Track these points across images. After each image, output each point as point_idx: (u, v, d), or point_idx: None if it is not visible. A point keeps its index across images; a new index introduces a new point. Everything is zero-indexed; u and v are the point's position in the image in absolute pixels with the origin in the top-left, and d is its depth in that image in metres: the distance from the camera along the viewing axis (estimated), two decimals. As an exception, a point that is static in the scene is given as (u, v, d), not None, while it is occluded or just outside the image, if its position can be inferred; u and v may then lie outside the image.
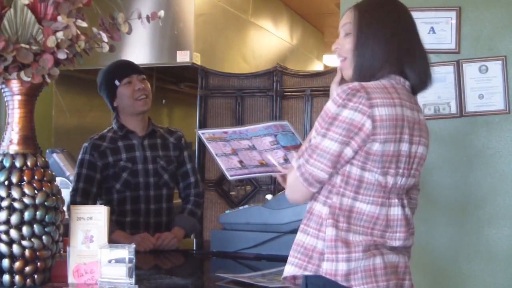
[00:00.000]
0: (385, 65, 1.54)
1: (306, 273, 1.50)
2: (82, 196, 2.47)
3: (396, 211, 1.52)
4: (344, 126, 1.44)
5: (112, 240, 2.15)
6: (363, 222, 1.49)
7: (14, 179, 1.67)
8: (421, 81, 1.59)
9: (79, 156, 2.55)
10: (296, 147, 1.75)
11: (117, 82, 2.55)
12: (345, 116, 1.44)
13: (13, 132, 1.73)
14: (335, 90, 1.52)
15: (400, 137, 1.49)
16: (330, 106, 1.48)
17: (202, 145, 3.95)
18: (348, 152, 1.45)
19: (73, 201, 2.45)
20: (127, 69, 2.60)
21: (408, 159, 1.53)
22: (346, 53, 1.60)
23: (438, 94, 2.88)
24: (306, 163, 1.48)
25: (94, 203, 2.52)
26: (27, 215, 1.66)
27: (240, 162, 1.73)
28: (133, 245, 1.67)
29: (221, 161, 1.80)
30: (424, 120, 1.62)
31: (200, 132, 1.78)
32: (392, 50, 1.55)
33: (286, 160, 1.76)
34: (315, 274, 1.48)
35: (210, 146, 1.76)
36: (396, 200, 1.52)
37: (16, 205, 1.66)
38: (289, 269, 1.54)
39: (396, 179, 1.51)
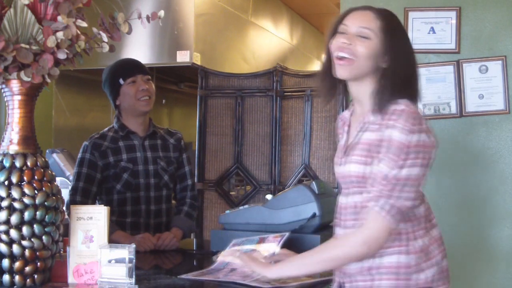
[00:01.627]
0: (412, 80, 1.60)
1: None
2: (82, 195, 2.47)
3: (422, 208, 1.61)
4: (421, 150, 1.47)
5: (113, 240, 2.15)
6: (422, 224, 1.58)
7: (14, 179, 1.67)
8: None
9: (79, 155, 2.54)
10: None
11: (121, 81, 2.54)
12: (419, 141, 1.47)
13: (13, 132, 1.73)
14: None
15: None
16: (399, 137, 1.47)
17: (202, 145, 3.96)
18: (424, 172, 1.50)
19: (73, 200, 2.45)
20: (132, 68, 2.59)
21: None
22: (356, 56, 1.57)
23: (438, 94, 2.88)
24: (397, 200, 1.47)
25: (94, 202, 2.52)
26: (27, 215, 1.66)
27: None
28: (133, 245, 1.67)
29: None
30: None
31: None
32: (413, 66, 1.62)
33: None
34: None
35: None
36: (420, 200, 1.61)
37: (16, 205, 1.66)
38: None
39: None
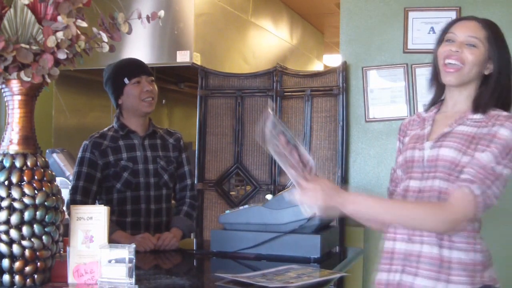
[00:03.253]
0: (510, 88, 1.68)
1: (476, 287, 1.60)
2: (82, 194, 2.47)
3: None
4: None
5: (113, 240, 2.16)
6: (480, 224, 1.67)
7: (14, 179, 1.67)
8: None
9: (79, 154, 2.54)
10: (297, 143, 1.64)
11: (126, 80, 2.55)
12: None
13: (13, 132, 1.73)
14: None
15: None
16: (506, 135, 1.56)
17: (202, 145, 3.96)
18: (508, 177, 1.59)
19: (73, 200, 2.45)
20: (138, 68, 2.60)
21: None
22: (464, 63, 1.65)
23: (438, 94, 2.87)
24: (487, 189, 1.54)
25: (94, 201, 2.52)
26: (27, 215, 1.66)
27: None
28: (133, 245, 1.67)
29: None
30: None
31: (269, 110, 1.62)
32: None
33: (302, 163, 1.63)
34: (483, 285, 1.60)
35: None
36: None
37: (16, 205, 1.66)
38: None
39: None
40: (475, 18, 1.71)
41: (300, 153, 1.63)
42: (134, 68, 2.60)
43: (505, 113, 1.62)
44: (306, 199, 1.58)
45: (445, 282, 1.57)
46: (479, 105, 1.65)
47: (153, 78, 2.63)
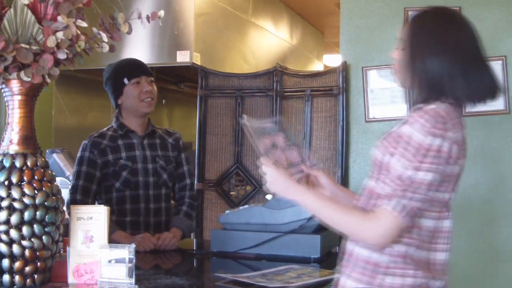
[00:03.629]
0: (445, 79, 1.54)
1: (361, 285, 1.51)
2: (82, 193, 2.47)
3: (447, 224, 1.55)
4: (439, 155, 1.45)
5: (113, 240, 2.16)
6: (422, 236, 1.52)
7: (14, 179, 1.67)
8: (485, 93, 1.59)
9: (79, 154, 2.54)
10: (298, 145, 1.73)
11: (126, 80, 2.55)
12: (439, 145, 1.45)
13: (13, 132, 1.73)
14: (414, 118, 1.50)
15: (463, 154, 1.54)
16: (421, 138, 1.45)
17: (202, 145, 3.96)
18: (438, 178, 1.47)
19: (73, 199, 2.45)
20: (138, 69, 2.60)
21: (458, 175, 1.56)
22: (396, 66, 1.63)
23: (438, 94, 2.87)
24: (410, 201, 1.45)
25: (94, 201, 2.53)
26: (27, 215, 1.66)
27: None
28: (133, 245, 1.67)
29: None
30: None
31: (245, 120, 1.68)
32: (450, 63, 1.54)
33: (302, 160, 1.73)
34: (368, 286, 1.50)
35: (257, 142, 1.66)
36: (447, 213, 1.55)
37: (16, 205, 1.66)
38: (350, 284, 1.54)
39: (451, 194, 1.54)
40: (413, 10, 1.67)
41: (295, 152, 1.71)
42: (133, 68, 2.60)
43: (428, 108, 1.49)
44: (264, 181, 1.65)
45: (346, 277, 1.55)
46: (412, 101, 1.59)
47: (152, 78, 2.63)
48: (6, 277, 1.67)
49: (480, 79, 1.56)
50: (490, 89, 1.58)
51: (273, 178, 1.62)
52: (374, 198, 1.53)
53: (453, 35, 1.56)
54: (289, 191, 1.61)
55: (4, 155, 1.71)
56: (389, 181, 1.48)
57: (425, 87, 1.56)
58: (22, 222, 1.66)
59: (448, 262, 1.58)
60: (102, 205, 1.81)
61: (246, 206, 2.43)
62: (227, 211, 2.43)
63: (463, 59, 1.54)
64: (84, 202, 2.45)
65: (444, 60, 1.54)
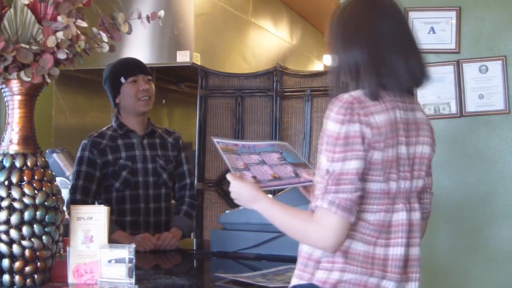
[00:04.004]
0: (363, 68, 1.49)
1: (302, 282, 1.48)
2: (82, 193, 2.47)
3: (400, 216, 1.47)
4: (353, 141, 1.40)
5: (113, 240, 2.15)
6: (369, 231, 1.45)
7: (14, 179, 1.67)
8: (411, 81, 1.53)
9: (78, 154, 2.54)
10: (302, 165, 1.76)
11: (122, 80, 2.55)
12: (350, 131, 1.40)
13: (13, 132, 1.73)
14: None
15: (397, 141, 1.46)
16: (332, 127, 1.42)
17: (202, 145, 3.96)
18: (363, 165, 1.41)
19: (73, 199, 2.45)
20: (134, 67, 2.60)
21: (407, 161, 1.49)
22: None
23: (438, 94, 2.88)
24: (336, 194, 1.38)
25: (94, 200, 2.53)
26: (27, 215, 1.66)
27: (254, 177, 1.67)
28: (133, 245, 1.67)
29: None
30: (424, 117, 1.58)
31: (215, 140, 1.74)
32: (368, 52, 1.49)
33: (297, 175, 1.75)
34: (309, 283, 1.46)
35: (225, 158, 1.70)
36: (401, 205, 1.48)
37: (16, 205, 1.66)
38: (293, 281, 1.52)
39: (399, 184, 1.47)
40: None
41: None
42: (130, 67, 2.60)
43: (340, 97, 1.44)
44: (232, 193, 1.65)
45: (294, 275, 1.52)
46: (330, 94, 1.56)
47: (150, 77, 2.62)
48: (6, 277, 1.67)
49: (403, 67, 1.50)
50: (413, 77, 1.52)
51: (238, 191, 1.61)
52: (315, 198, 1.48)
53: (371, 23, 1.51)
54: (252, 202, 1.59)
55: (4, 155, 1.71)
56: (320, 178, 1.43)
57: (344, 76, 1.52)
58: (22, 222, 1.66)
59: (412, 258, 1.51)
60: (102, 205, 1.81)
61: (246, 206, 2.43)
62: (227, 211, 2.43)
63: (381, 47, 1.49)
64: (84, 202, 2.45)
65: (361, 48, 1.49)
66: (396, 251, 1.47)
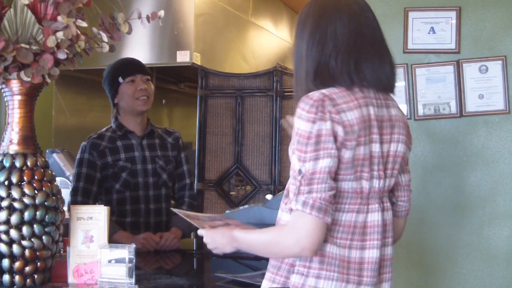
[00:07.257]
0: (323, 67, 1.47)
1: (274, 285, 1.45)
2: (83, 195, 2.47)
3: (375, 217, 1.44)
4: (325, 139, 1.36)
5: (115, 241, 2.16)
6: (341, 234, 1.41)
7: (14, 179, 1.67)
8: (378, 83, 1.51)
9: (78, 155, 2.54)
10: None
11: (120, 79, 2.55)
12: (322, 129, 1.36)
13: (13, 132, 1.73)
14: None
15: (369, 138, 1.42)
16: (304, 126, 1.39)
17: (202, 145, 3.95)
18: (336, 164, 1.37)
19: (74, 201, 2.45)
20: (132, 67, 2.60)
21: (381, 159, 1.45)
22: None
23: (438, 94, 2.87)
24: (310, 194, 1.34)
25: (95, 202, 2.52)
26: (27, 215, 1.66)
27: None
28: (133, 245, 1.67)
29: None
30: (400, 114, 1.54)
31: (175, 210, 1.87)
32: (327, 53, 1.47)
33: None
34: (283, 287, 1.44)
35: (191, 221, 1.77)
36: (376, 205, 1.45)
37: (16, 205, 1.66)
38: (265, 284, 1.48)
39: (372, 183, 1.43)
40: None
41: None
42: (128, 67, 2.60)
43: (308, 96, 1.43)
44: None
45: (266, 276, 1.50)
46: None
47: (148, 77, 2.62)
48: (6, 277, 1.67)
49: (370, 67, 1.49)
50: (377, 79, 1.51)
51: (212, 238, 1.59)
52: (286, 198, 1.45)
53: (334, 24, 1.47)
54: (230, 241, 1.56)
55: (4, 155, 1.71)
56: (293, 180, 1.39)
57: (308, 77, 1.50)
58: (22, 222, 1.66)
59: (385, 258, 1.48)
60: (102, 205, 1.81)
61: (246, 206, 2.43)
62: (227, 211, 2.43)
63: (341, 48, 1.46)
64: (85, 203, 2.45)
65: (322, 48, 1.46)
66: (372, 253, 1.44)
